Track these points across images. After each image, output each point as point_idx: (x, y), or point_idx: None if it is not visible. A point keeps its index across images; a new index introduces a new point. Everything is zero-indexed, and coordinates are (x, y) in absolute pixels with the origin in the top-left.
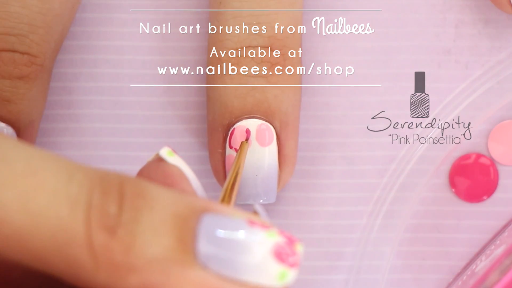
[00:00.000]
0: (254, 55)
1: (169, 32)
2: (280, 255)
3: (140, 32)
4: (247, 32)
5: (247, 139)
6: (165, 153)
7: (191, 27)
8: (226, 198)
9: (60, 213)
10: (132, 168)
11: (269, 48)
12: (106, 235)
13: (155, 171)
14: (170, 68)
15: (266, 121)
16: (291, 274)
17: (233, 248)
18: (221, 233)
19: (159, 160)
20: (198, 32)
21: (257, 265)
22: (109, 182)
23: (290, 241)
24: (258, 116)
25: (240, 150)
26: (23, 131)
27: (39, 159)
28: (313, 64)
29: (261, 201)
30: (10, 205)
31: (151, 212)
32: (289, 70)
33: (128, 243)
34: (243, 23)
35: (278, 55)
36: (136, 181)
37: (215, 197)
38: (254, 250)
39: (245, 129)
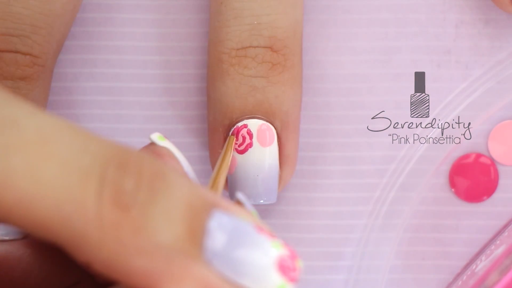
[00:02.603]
0: (255, 56)
1: (169, 32)
2: (283, 268)
3: (140, 32)
4: (248, 32)
5: (233, 134)
6: (156, 137)
7: (191, 27)
8: (214, 187)
9: (69, 184)
10: None
11: (270, 48)
12: (118, 211)
13: (146, 152)
14: (170, 68)
15: (267, 121)
16: None
17: (239, 251)
18: (229, 234)
19: (151, 144)
20: (198, 32)
21: (260, 273)
22: (127, 157)
23: (293, 255)
24: (259, 116)
25: (228, 143)
26: None
27: (53, 127)
28: (313, 64)
29: (262, 201)
30: (17, 171)
31: (167, 197)
32: (290, 70)
33: (140, 224)
34: (244, 24)
35: (279, 56)
36: (156, 161)
37: None
38: (259, 257)
39: (246, 130)
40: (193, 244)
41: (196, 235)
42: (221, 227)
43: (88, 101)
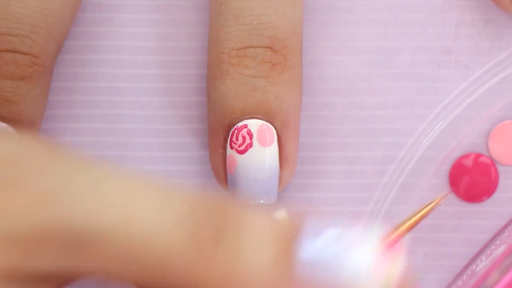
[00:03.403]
0: (255, 56)
1: (169, 32)
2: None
3: (140, 32)
4: (248, 32)
5: None
6: None
7: (191, 27)
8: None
9: (169, 229)
10: (132, 168)
11: (270, 48)
12: (211, 249)
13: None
14: (170, 68)
15: (267, 121)
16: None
17: (338, 247)
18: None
19: None
20: (198, 32)
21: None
22: (211, 204)
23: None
24: (259, 116)
25: None
26: (25, 132)
27: (138, 182)
28: (313, 64)
29: (262, 201)
30: (115, 223)
31: (253, 230)
32: (290, 70)
33: (233, 257)
34: (244, 24)
35: (279, 56)
36: (237, 205)
37: None
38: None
39: (246, 130)
40: (288, 263)
41: (289, 253)
42: (313, 236)
43: (88, 101)
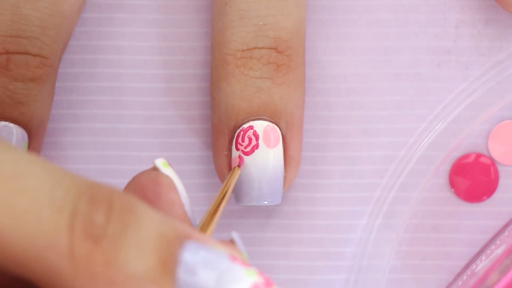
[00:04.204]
0: (260, 57)
1: (169, 32)
2: None
3: (140, 32)
4: (253, 33)
5: (239, 166)
6: (160, 163)
7: (191, 27)
8: (206, 224)
9: (42, 216)
10: (132, 168)
11: (275, 49)
12: (89, 244)
13: (147, 177)
14: (170, 68)
15: (272, 122)
16: None
17: (211, 281)
18: (202, 264)
19: (154, 169)
20: (198, 32)
21: None
22: (98, 192)
23: (268, 283)
24: (264, 117)
25: (231, 176)
26: (34, 132)
27: (27, 163)
28: (313, 64)
29: (266, 202)
30: None
31: (138, 228)
32: (294, 71)
33: (111, 255)
34: (249, 25)
35: (284, 57)
36: (126, 196)
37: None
38: (232, 286)
39: (252, 131)
40: (165, 274)
41: (167, 265)
42: (193, 258)
43: (88, 101)
